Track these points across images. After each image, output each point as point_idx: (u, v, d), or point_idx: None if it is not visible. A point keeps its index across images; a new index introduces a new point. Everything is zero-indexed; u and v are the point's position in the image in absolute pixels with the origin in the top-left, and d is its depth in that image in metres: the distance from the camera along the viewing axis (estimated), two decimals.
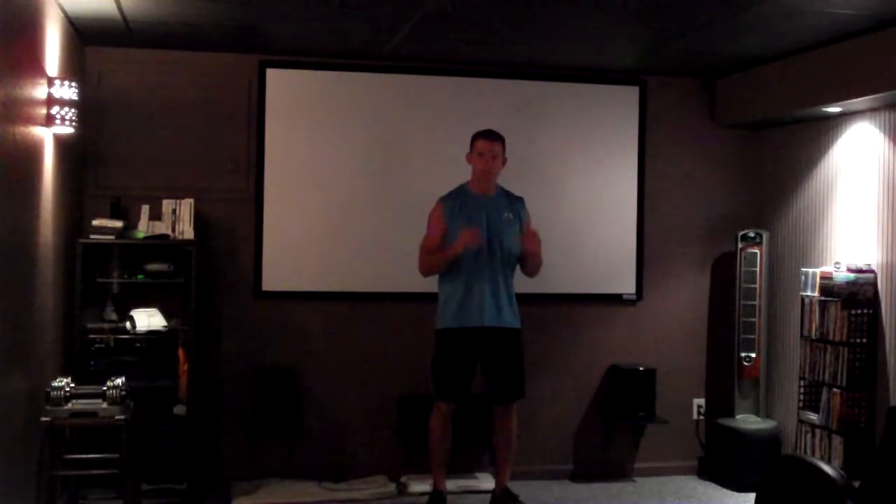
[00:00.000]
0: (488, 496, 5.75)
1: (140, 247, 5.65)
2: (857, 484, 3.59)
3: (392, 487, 5.93)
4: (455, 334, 5.32)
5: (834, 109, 5.68)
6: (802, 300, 5.88)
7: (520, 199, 5.49)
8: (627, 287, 6.48)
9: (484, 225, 5.30)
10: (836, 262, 5.69)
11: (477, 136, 5.40)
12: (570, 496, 6.02)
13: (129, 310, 5.63)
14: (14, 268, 4.18)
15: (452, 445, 5.50)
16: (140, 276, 5.64)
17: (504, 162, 5.41)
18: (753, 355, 6.31)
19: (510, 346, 5.38)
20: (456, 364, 5.34)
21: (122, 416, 4.64)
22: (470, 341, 5.32)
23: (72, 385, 4.65)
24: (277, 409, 5.92)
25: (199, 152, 6.00)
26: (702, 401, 6.59)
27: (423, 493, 5.75)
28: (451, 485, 5.67)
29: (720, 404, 6.48)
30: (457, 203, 5.35)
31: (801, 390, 5.90)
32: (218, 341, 6.03)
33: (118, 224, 5.58)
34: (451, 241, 5.29)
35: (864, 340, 5.49)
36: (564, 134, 6.38)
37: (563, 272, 6.32)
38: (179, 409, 5.59)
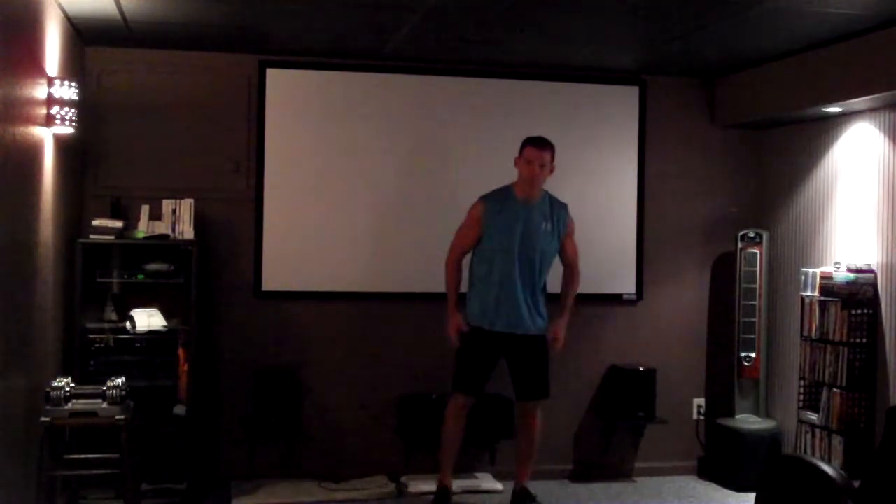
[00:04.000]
0: (488, 496, 5.77)
1: (140, 247, 5.65)
2: (857, 484, 3.59)
3: (392, 487, 5.93)
4: (485, 333, 5.36)
5: (834, 109, 5.68)
6: (802, 300, 5.88)
7: (563, 206, 5.50)
8: (627, 287, 6.48)
9: (518, 233, 5.32)
10: (836, 262, 5.69)
11: (527, 143, 5.39)
12: (570, 496, 6.03)
13: (129, 310, 5.63)
14: (14, 268, 4.19)
15: (462, 443, 5.55)
16: (140, 276, 5.64)
17: (552, 170, 5.41)
18: (753, 355, 6.31)
19: (538, 349, 5.45)
20: (481, 361, 5.40)
21: (122, 416, 4.64)
22: (498, 342, 5.39)
23: (72, 385, 4.64)
24: (277, 409, 5.92)
25: (199, 152, 6.00)
26: (702, 401, 6.59)
27: (423, 493, 5.75)
28: (452, 485, 5.66)
29: (720, 404, 6.48)
30: (497, 206, 5.36)
31: (801, 390, 5.90)
32: (218, 341, 6.03)
33: (118, 224, 5.58)
34: (488, 242, 5.34)
35: (864, 340, 5.48)
36: (564, 134, 6.36)
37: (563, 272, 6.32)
38: (179, 409, 5.59)
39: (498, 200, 5.38)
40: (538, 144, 5.36)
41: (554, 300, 6.31)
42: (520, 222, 5.33)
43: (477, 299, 5.38)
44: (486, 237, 5.35)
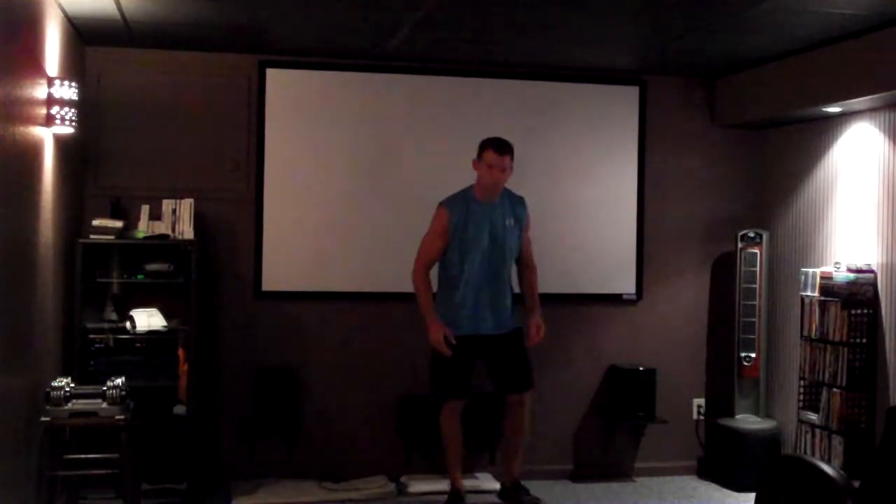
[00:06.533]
0: (488, 496, 5.76)
1: (140, 247, 5.65)
2: (857, 484, 3.59)
3: (392, 487, 5.93)
4: (461, 338, 5.33)
5: (834, 109, 5.68)
6: (802, 300, 5.88)
7: (521, 201, 5.46)
8: (627, 287, 6.48)
9: (486, 236, 5.29)
10: (836, 262, 5.69)
11: (487, 146, 5.29)
12: (570, 496, 6.03)
13: (129, 310, 5.64)
14: (14, 268, 4.18)
15: (464, 441, 5.54)
16: (140, 276, 5.64)
17: (510, 171, 5.36)
18: (753, 355, 6.31)
19: (513, 344, 5.41)
20: (461, 364, 5.36)
21: (122, 416, 4.65)
22: (474, 344, 5.37)
23: (72, 385, 4.65)
24: (277, 409, 5.92)
25: (199, 152, 6.00)
26: (702, 401, 6.59)
27: (423, 493, 5.76)
28: (464, 486, 5.63)
29: (720, 404, 6.48)
30: (461, 210, 5.30)
31: (801, 390, 5.90)
32: (218, 341, 6.03)
33: (118, 224, 5.58)
34: (456, 248, 5.29)
35: (864, 340, 5.48)
36: (564, 134, 6.37)
37: (563, 272, 6.32)
38: (179, 409, 5.59)
39: (461, 205, 5.30)
40: (499, 149, 5.24)
41: (559, 299, 6.34)
42: (486, 224, 5.28)
43: (449, 306, 5.34)
44: (453, 243, 5.30)
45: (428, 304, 5.33)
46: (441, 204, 5.38)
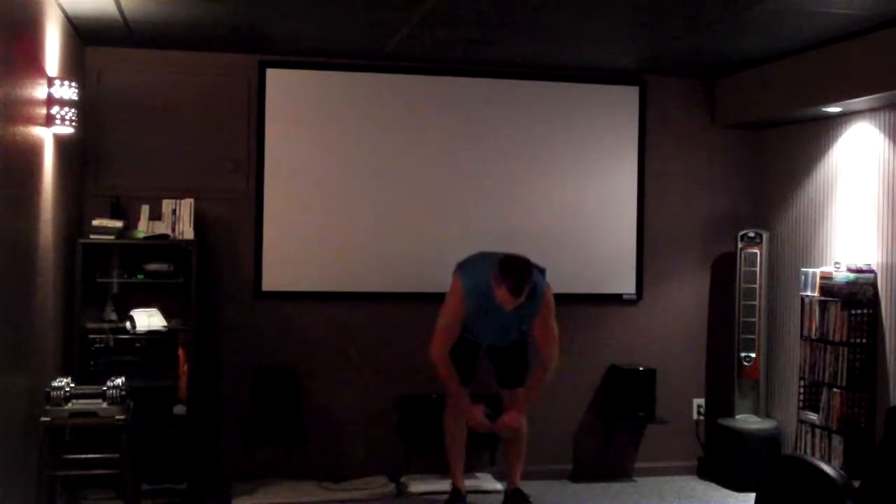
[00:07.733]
0: (488, 496, 5.76)
1: (140, 247, 5.66)
2: (857, 484, 3.59)
3: (392, 487, 5.93)
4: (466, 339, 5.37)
5: (834, 109, 5.68)
6: (802, 300, 5.88)
7: (540, 275, 5.22)
8: (627, 287, 6.48)
9: (492, 324, 5.26)
10: (836, 262, 5.69)
11: (506, 282, 4.96)
12: (570, 496, 6.03)
13: (129, 310, 5.64)
14: (14, 268, 4.19)
15: (467, 438, 5.55)
16: (140, 276, 5.64)
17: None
18: (753, 355, 6.31)
19: (517, 347, 5.46)
20: (465, 357, 5.37)
21: (122, 416, 4.65)
22: (473, 343, 5.42)
23: (72, 385, 4.65)
24: (277, 409, 5.92)
25: (199, 152, 6.00)
26: (702, 401, 6.59)
27: (423, 493, 5.75)
28: (465, 486, 5.63)
29: (720, 404, 6.48)
30: (475, 296, 5.15)
31: (801, 390, 5.90)
32: (218, 341, 6.03)
33: (118, 224, 5.58)
34: (468, 324, 5.25)
35: (864, 340, 5.48)
36: (564, 134, 6.37)
37: (563, 272, 6.29)
38: (179, 409, 5.60)
39: (477, 292, 5.13)
40: (515, 292, 4.98)
41: (560, 299, 6.28)
42: (491, 315, 5.20)
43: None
44: (467, 321, 5.25)
45: (455, 384, 5.21)
46: (459, 275, 5.24)
